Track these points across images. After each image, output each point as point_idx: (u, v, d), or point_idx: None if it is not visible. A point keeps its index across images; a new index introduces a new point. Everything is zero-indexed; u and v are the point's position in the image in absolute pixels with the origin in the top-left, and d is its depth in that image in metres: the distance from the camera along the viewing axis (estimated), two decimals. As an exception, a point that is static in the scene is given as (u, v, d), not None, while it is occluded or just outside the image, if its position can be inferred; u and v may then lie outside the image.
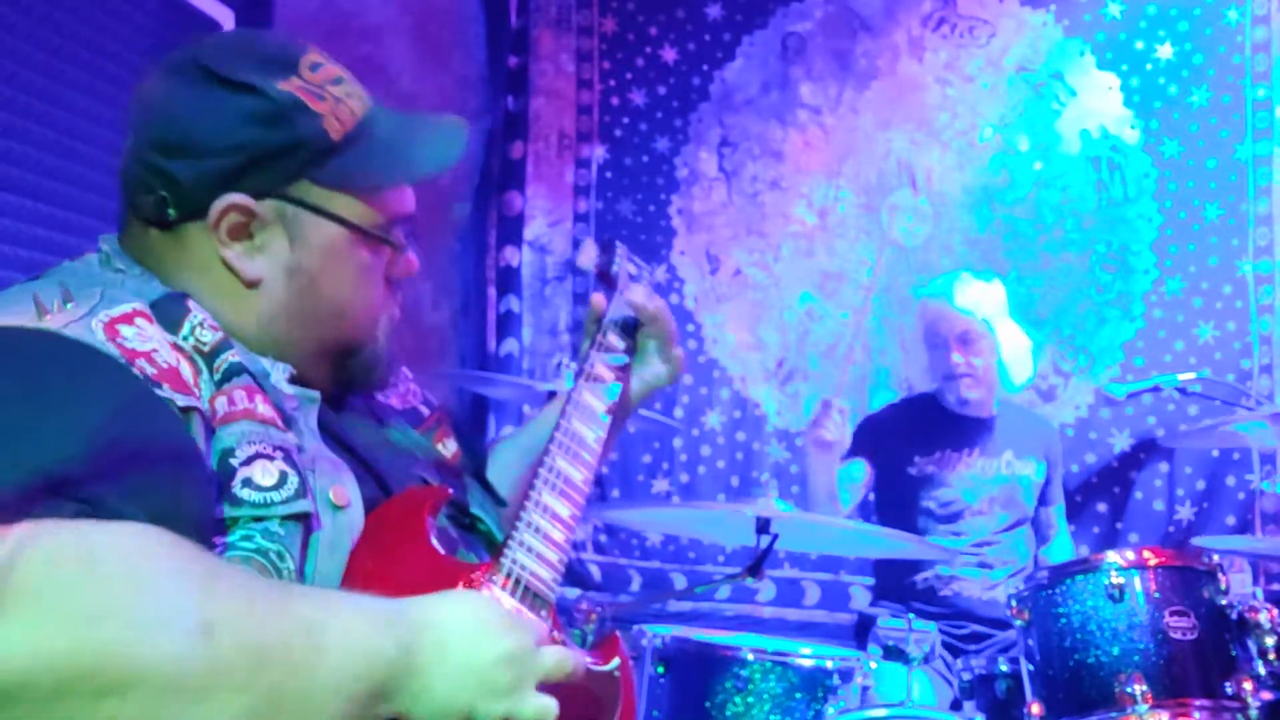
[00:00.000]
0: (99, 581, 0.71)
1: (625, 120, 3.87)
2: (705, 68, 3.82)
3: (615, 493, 3.70)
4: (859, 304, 3.63)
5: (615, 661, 1.14)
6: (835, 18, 3.74)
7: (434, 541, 1.02)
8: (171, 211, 1.01)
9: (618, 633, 1.17)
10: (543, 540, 1.07)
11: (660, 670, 2.18)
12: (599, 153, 3.88)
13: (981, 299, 2.88)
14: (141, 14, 2.65)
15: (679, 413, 3.72)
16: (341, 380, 1.10)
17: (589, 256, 1.41)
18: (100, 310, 0.91)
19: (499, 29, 3.91)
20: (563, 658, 0.94)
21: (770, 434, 3.68)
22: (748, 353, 3.73)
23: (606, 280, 1.41)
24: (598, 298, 1.37)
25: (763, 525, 2.05)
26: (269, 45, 1.05)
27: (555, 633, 1.05)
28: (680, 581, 3.68)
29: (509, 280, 3.87)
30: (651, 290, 1.43)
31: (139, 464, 0.83)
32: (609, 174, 3.87)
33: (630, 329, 1.37)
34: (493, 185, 3.90)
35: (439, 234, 3.84)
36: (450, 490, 1.09)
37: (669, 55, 3.85)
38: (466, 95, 3.89)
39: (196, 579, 0.75)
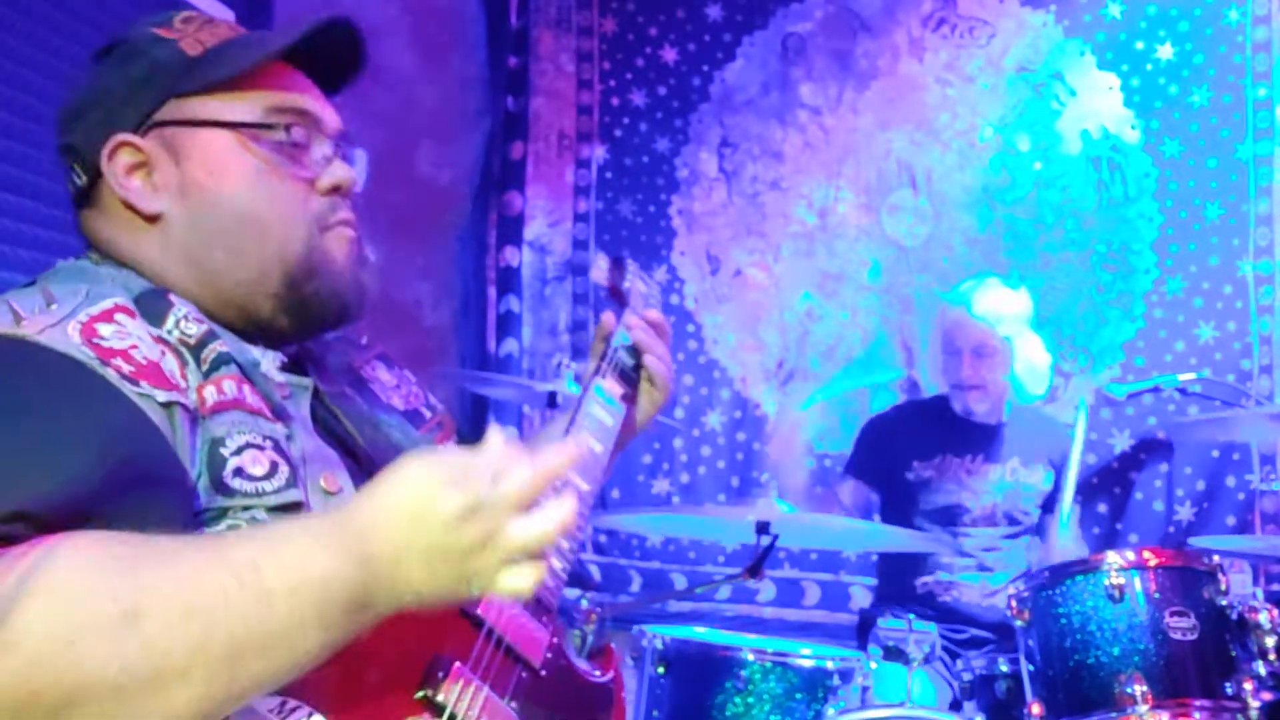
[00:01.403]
0: (13, 604, 0.70)
1: (625, 120, 3.87)
2: (705, 68, 3.82)
3: (615, 493, 3.70)
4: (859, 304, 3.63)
5: (611, 674, 1.15)
6: (835, 18, 3.74)
7: None
8: (81, 177, 1.04)
9: (612, 645, 1.17)
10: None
11: (660, 671, 2.19)
12: (599, 153, 3.88)
13: (1003, 310, 2.85)
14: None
15: (679, 413, 3.71)
16: (301, 317, 1.06)
17: (601, 272, 1.42)
18: (80, 311, 0.91)
19: (499, 29, 3.91)
20: (524, 477, 0.85)
21: (771, 434, 3.68)
22: (748, 353, 3.73)
23: (617, 296, 1.42)
24: (607, 316, 1.37)
25: (763, 526, 2.05)
26: (150, 14, 1.09)
27: (555, 638, 1.04)
28: (680, 582, 3.67)
29: (509, 280, 3.87)
30: (659, 311, 1.43)
31: (100, 476, 0.82)
32: (609, 174, 3.87)
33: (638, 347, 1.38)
34: (493, 185, 3.90)
35: (439, 234, 3.84)
36: None
37: (669, 56, 3.85)
38: (466, 95, 3.89)
39: (113, 568, 0.74)
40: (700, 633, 2.39)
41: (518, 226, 3.87)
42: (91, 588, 0.72)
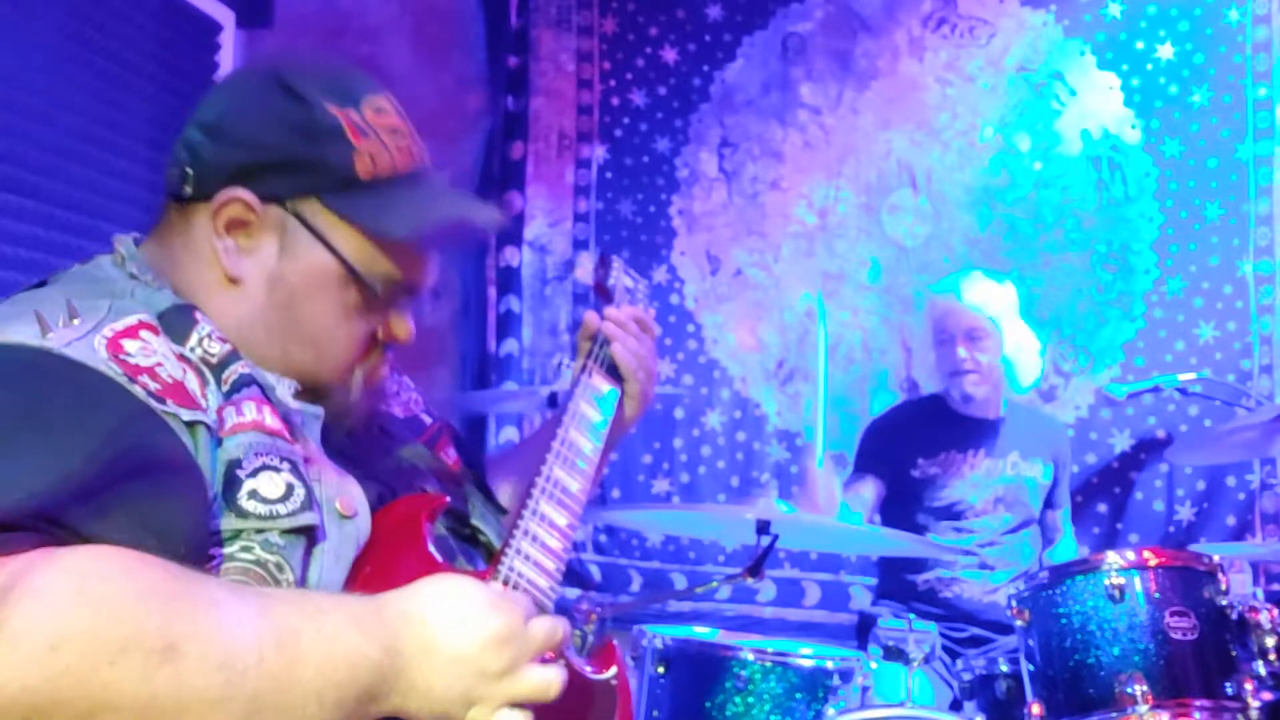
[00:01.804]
0: (59, 609, 0.71)
1: (625, 120, 3.87)
2: (705, 68, 3.82)
3: (616, 493, 3.70)
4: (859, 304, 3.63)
5: (613, 670, 1.14)
6: (835, 18, 3.74)
7: (431, 549, 1.02)
8: (188, 188, 1.03)
9: (614, 641, 1.17)
10: (540, 549, 1.07)
11: (660, 670, 2.19)
12: (599, 153, 3.88)
13: (990, 297, 2.88)
14: (142, 14, 2.65)
15: (679, 413, 3.71)
16: (311, 398, 1.08)
17: (585, 270, 1.44)
18: (105, 325, 0.91)
19: (499, 29, 3.91)
20: (553, 627, 0.93)
21: (771, 434, 3.68)
22: (748, 353, 3.73)
23: (602, 293, 1.42)
24: (590, 314, 1.38)
25: (763, 526, 2.05)
26: (345, 75, 1.07)
27: None
28: (680, 581, 3.67)
29: (509, 280, 3.87)
30: (644, 306, 1.44)
31: (127, 489, 0.83)
32: (609, 174, 3.87)
33: None
34: (493, 185, 3.90)
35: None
36: (448, 498, 1.08)
37: (669, 55, 3.85)
38: (466, 95, 3.89)
39: (160, 599, 0.76)
40: (700, 633, 2.39)
41: (518, 226, 3.87)
42: (141, 614, 0.74)
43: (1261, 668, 1.99)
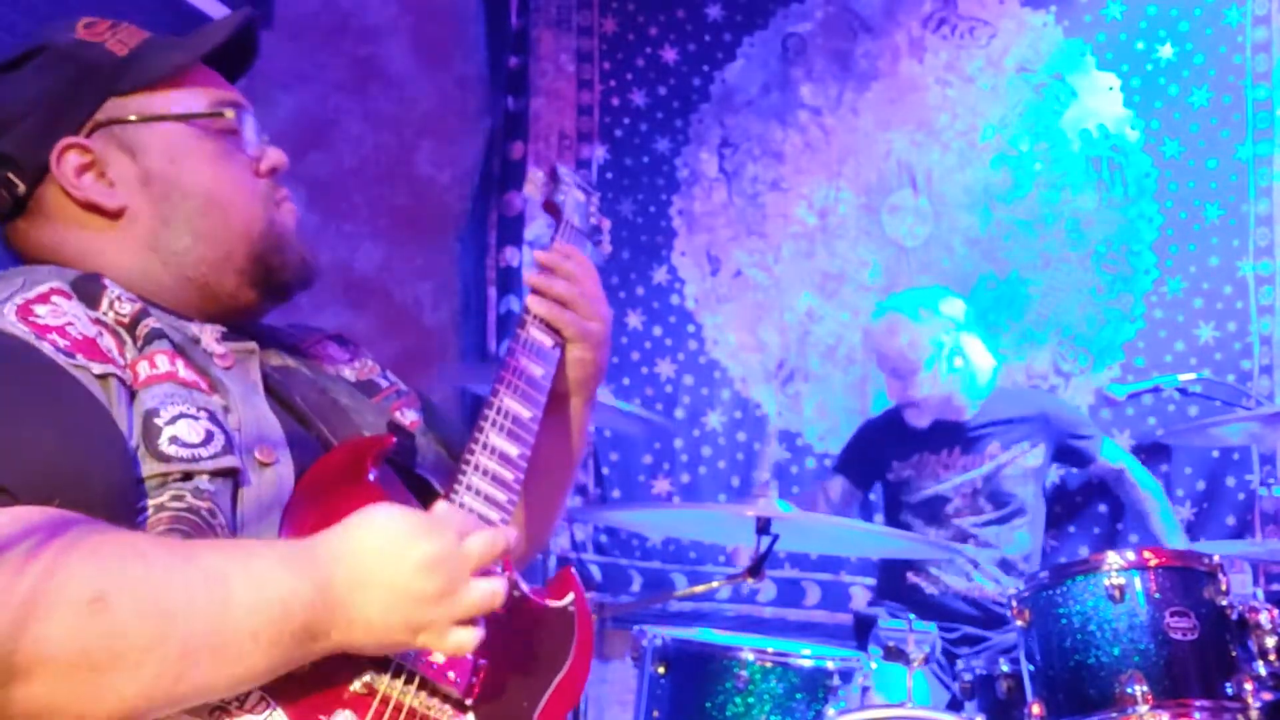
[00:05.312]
0: None
1: (626, 121, 3.87)
2: (705, 68, 3.82)
3: (616, 493, 3.70)
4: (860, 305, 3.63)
5: (569, 597, 1.10)
6: (835, 18, 3.74)
7: (373, 481, 1.00)
8: (20, 185, 1.05)
9: (571, 568, 1.14)
10: (490, 482, 1.06)
11: (660, 670, 2.19)
12: (599, 153, 3.88)
13: (919, 330, 2.91)
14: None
15: (680, 413, 3.71)
16: (268, 286, 1.11)
17: (534, 187, 1.40)
18: (18, 295, 0.94)
19: (499, 29, 3.91)
20: (492, 539, 0.92)
21: (771, 434, 3.68)
22: (748, 353, 3.73)
23: (552, 211, 1.38)
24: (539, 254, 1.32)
25: (763, 526, 2.05)
26: (45, 26, 1.12)
27: (505, 573, 1.02)
28: (680, 581, 3.67)
29: (509, 280, 3.87)
30: (599, 219, 1.41)
31: (36, 442, 0.85)
32: (609, 174, 3.87)
33: None
34: (493, 185, 3.90)
35: (439, 234, 3.84)
36: (393, 438, 1.07)
37: (669, 56, 3.85)
38: (466, 95, 3.89)
39: (84, 552, 0.77)
40: (700, 633, 2.39)
41: (518, 226, 3.87)
42: (65, 565, 0.76)
43: (1261, 668, 1.99)
